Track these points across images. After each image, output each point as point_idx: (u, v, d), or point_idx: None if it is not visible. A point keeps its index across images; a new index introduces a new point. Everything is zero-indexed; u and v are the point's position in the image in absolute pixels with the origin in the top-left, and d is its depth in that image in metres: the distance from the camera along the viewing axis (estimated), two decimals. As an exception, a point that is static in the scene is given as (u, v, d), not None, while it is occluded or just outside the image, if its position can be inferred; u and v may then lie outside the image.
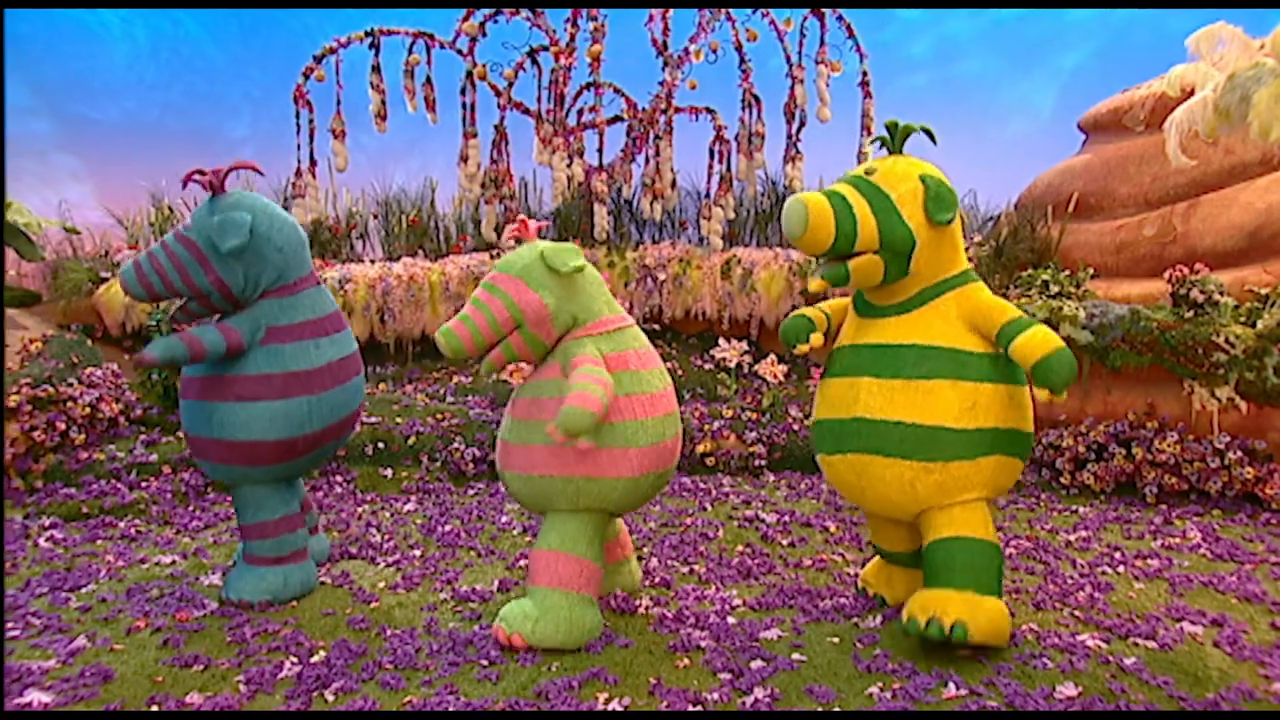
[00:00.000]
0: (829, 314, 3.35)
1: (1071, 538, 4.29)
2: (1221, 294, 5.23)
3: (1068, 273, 6.25)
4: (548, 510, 3.09)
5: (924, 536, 3.01)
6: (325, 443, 3.56)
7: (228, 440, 3.35)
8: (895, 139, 3.14)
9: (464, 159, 7.92)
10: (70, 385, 5.63)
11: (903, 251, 2.93)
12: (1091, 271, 6.34)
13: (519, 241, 3.23)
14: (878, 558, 3.48)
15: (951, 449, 2.86)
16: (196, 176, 3.38)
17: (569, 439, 2.77)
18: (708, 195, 8.42)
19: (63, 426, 5.40)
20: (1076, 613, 3.24)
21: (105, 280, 7.72)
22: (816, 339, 3.27)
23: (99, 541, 4.44)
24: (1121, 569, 3.79)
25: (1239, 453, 4.80)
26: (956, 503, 2.93)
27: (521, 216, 3.35)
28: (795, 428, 6.17)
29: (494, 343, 3.03)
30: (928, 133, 3.16)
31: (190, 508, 5.13)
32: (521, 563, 3.98)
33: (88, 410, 5.60)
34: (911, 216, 2.92)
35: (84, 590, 3.64)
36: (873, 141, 3.23)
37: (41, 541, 4.37)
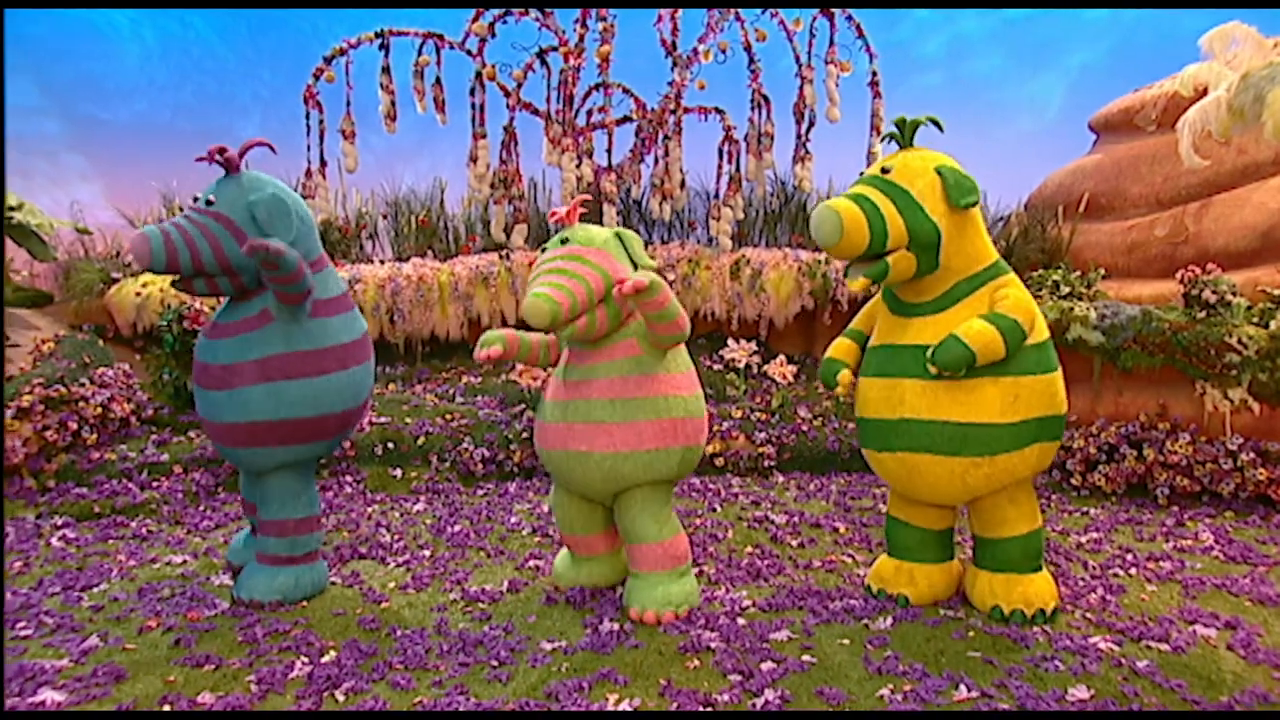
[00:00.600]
0: (859, 332, 3.45)
1: (1083, 539, 4.27)
2: (1234, 294, 5.21)
3: (1079, 273, 6.22)
4: (631, 486, 3.19)
5: (985, 527, 3.23)
6: (364, 416, 3.68)
7: (297, 419, 3.30)
8: (905, 134, 3.18)
9: (473, 159, 7.94)
10: (82, 385, 5.65)
11: (930, 244, 2.99)
12: (1103, 272, 6.32)
13: (561, 225, 3.28)
14: (886, 558, 3.48)
15: (999, 443, 3.01)
16: (217, 157, 3.30)
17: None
18: (717, 195, 8.42)
19: (75, 426, 5.43)
20: (1088, 615, 3.22)
21: (117, 281, 7.76)
22: (844, 376, 3.33)
23: (111, 541, 4.46)
24: (1133, 571, 3.77)
25: (1252, 454, 4.77)
26: (1007, 487, 3.14)
27: (582, 195, 3.41)
28: (804, 428, 6.16)
29: (584, 314, 3.05)
30: (935, 123, 3.18)
31: (201, 507, 5.15)
32: (531, 563, 3.98)
33: (99, 410, 5.63)
34: (934, 209, 2.98)
35: (96, 589, 3.66)
36: (884, 139, 3.26)
37: (54, 541, 4.39)
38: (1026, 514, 3.21)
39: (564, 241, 3.16)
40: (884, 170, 3.06)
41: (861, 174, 3.15)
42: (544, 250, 3.21)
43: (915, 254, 3.00)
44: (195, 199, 3.31)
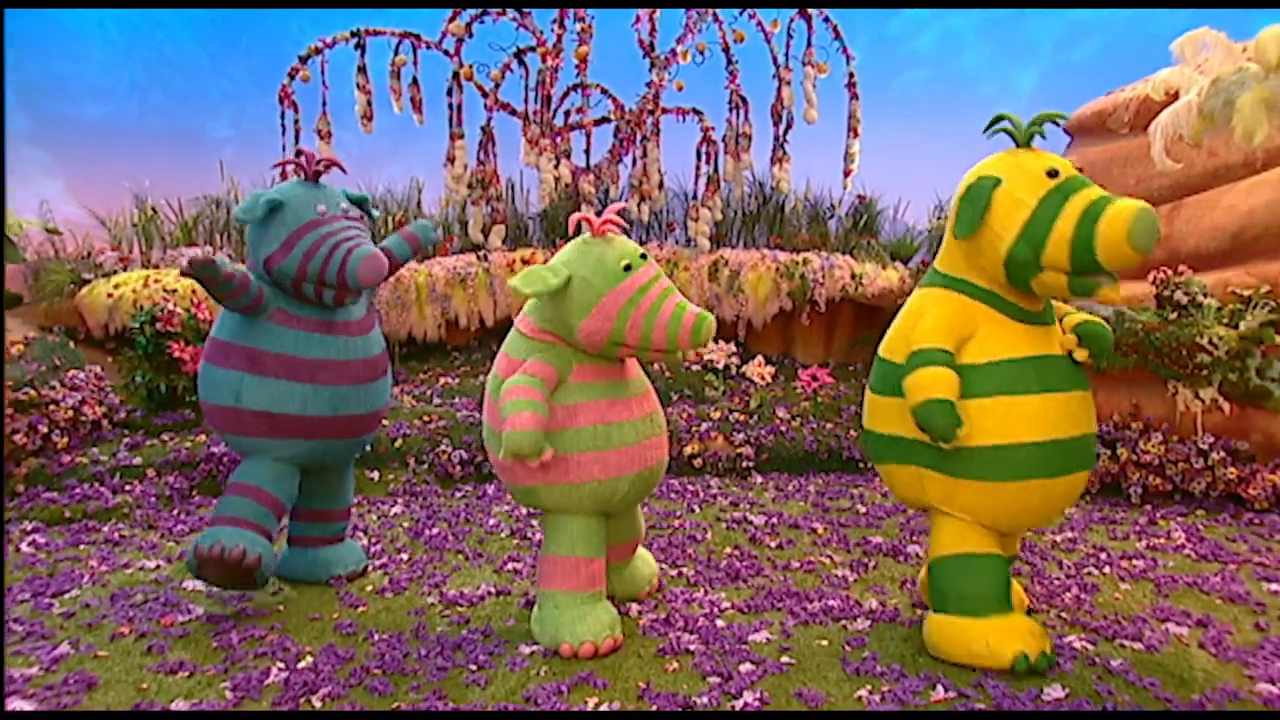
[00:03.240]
0: (949, 353, 2.72)
1: (1057, 538, 4.31)
2: (1205, 296, 5.27)
3: (1053, 274, 6.27)
4: None
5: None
6: None
7: (382, 408, 3.82)
8: (1021, 135, 2.82)
9: (450, 160, 7.90)
10: (53, 388, 5.57)
11: None
12: (1076, 273, 6.36)
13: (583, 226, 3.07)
14: (1012, 618, 2.81)
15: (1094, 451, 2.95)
16: (320, 166, 3.60)
17: None
18: (695, 196, 8.43)
19: (45, 430, 5.34)
20: (1063, 614, 3.25)
21: (88, 281, 7.65)
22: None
23: (82, 546, 4.40)
24: (1107, 570, 3.81)
25: (1222, 453, 4.84)
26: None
27: (618, 205, 3.13)
28: (783, 429, 6.18)
29: None
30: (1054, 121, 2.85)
31: (174, 511, 5.08)
32: (510, 566, 3.96)
33: (70, 413, 5.54)
34: None
35: (67, 596, 3.61)
36: (993, 132, 2.86)
37: (23, 546, 4.33)
38: None
39: (643, 258, 2.97)
40: (1052, 173, 2.70)
41: (1076, 179, 2.72)
42: (629, 270, 2.89)
43: None
44: (346, 207, 3.61)
